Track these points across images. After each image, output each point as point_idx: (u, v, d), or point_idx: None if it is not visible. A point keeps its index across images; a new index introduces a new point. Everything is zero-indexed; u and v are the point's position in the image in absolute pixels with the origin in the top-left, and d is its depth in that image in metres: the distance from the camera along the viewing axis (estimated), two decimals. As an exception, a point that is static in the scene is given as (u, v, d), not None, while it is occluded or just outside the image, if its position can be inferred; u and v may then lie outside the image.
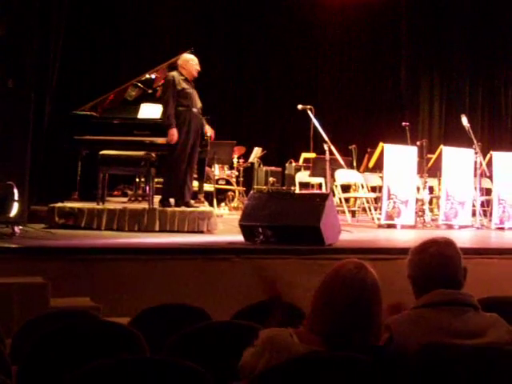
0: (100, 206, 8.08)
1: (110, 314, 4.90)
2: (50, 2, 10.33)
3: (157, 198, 8.54)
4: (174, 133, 8.31)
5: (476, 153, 9.96)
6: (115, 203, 8.76)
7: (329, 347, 2.65)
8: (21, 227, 7.07)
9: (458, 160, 10.01)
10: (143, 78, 9.53)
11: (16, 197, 6.84)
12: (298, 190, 11.77)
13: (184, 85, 8.48)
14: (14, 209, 6.88)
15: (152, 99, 9.45)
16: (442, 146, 10.33)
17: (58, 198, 8.54)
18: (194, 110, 8.52)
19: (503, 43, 15.08)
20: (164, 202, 8.31)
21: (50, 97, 10.52)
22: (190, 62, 8.62)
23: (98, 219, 7.90)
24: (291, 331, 2.71)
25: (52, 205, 7.99)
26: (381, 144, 10.09)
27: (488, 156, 10.46)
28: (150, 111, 9.19)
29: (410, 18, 15.35)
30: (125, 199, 9.97)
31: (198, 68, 8.66)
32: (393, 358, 2.73)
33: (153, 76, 9.56)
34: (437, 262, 3.00)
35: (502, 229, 9.93)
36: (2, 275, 5.40)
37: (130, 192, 10.63)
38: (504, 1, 14.71)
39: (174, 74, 8.53)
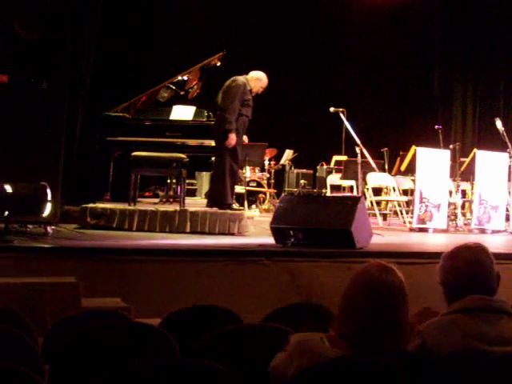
0: (131, 207, 8.12)
1: (141, 315, 4.91)
2: (85, 5, 10.41)
3: (188, 200, 8.54)
4: (234, 137, 8.41)
5: (510, 157, 9.86)
6: (146, 204, 8.80)
7: (357, 351, 2.63)
8: (53, 227, 7.13)
9: (491, 164, 9.91)
10: (175, 80, 9.57)
11: (49, 197, 6.89)
12: (329, 193, 11.74)
13: (248, 95, 8.65)
14: (47, 209, 6.93)
15: (184, 101, 9.48)
16: (475, 150, 10.24)
17: (91, 198, 8.60)
18: (245, 117, 8.65)
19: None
20: (224, 207, 8.35)
21: (84, 98, 10.59)
22: (258, 80, 8.78)
23: (130, 220, 7.93)
24: (322, 336, 2.70)
25: (84, 205, 8.04)
26: (413, 147, 10.03)
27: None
28: (182, 113, 9.23)
29: (444, 20, 15.26)
30: (156, 200, 10.01)
31: (264, 87, 8.83)
32: (424, 363, 2.71)
33: (185, 78, 9.60)
34: (469, 268, 2.98)
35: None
36: (35, 275, 5.45)
37: (161, 193, 10.68)
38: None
39: (244, 81, 8.65)
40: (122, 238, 7.18)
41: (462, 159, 10.77)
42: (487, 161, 9.92)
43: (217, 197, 8.49)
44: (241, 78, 8.71)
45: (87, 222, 7.88)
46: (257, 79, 8.80)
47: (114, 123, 8.99)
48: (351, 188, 11.81)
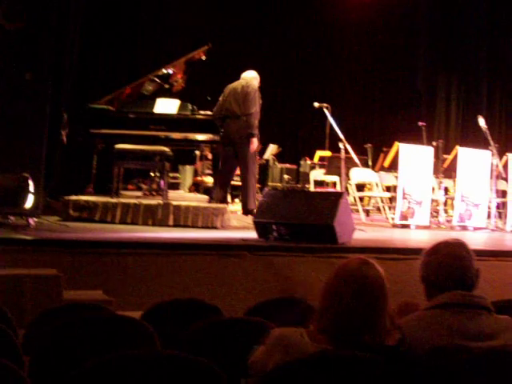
0: (114, 200, 8.10)
1: (123, 307, 4.91)
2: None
3: (171, 193, 8.54)
4: (257, 142, 8.67)
5: (493, 154, 9.91)
6: (129, 197, 8.78)
7: (337, 346, 2.64)
8: (35, 219, 7.10)
9: (473, 161, 9.96)
10: (160, 73, 9.55)
11: (31, 189, 6.87)
12: (312, 188, 11.75)
13: (260, 98, 8.83)
14: (29, 201, 6.90)
15: (169, 94, 9.46)
16: (457, 147, 10.28)
17: (73, 190, 8.57)
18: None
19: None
20: (251, 212, 8.46)
21: (67, 90, 10.56)
22: (256, 79, 9.02)
23: (113, 213, 7.92)
24: (302, 330, 2.70)
25: (67, 197, 8.02)
26: (396, 143, 10.06)
27: (504, 158, 10.41)
28: (166, 106, 9.21)
29: (428, 18, 15.31)
30: (139, 193, 9.99)
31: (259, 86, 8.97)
32: (404, 358, 2.72)
33: (170, 71, 9.57)
34: (449, 264, 3.00)
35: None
36: (16, 266, 5.42)
37: (144, 186, 10.66)
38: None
39: (256, 84, 8.86)
40: (104, 231, 7.17)
41: (445, 156, 10.81)
42: (469, 158, 9.97)
43: (247, 201, 8.85)
44: (252, 82, 8.86)
45: (70, 215, 7.86)
46: (254, 78, 8.99)
47: (97, 115, 8.95)
48: (334, 184, 11.83)
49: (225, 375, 2.67)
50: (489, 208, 9.96)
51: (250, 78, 8.98)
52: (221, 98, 8.88)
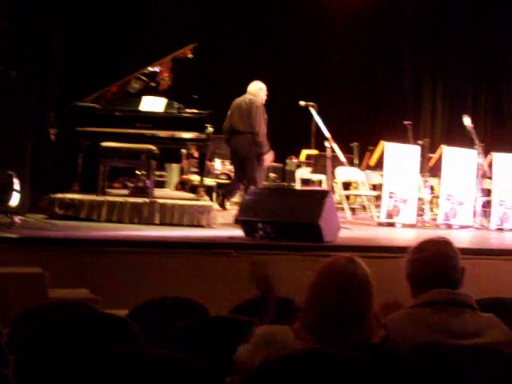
0: (100, 198, 8.09)
1: (109, 306, 4.90)
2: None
3: (158, 191, 8.53)
4: (268, 158, 8.87)
5: (478, 153, 9.96)
6: (115, 195, 8.76)
7: (322, 343, 2.65)
8: (21, 217, 7.08)
9: (458, 160, 10.01)
10: (146, 71, 9.52)
11: (17, 186, 6.84)
12: (299, 187, 11.76)
13: (265, 113, 8.93)
14: (15, 198, 6.88)
15: (155, 92, 9.44)
16: (442, 146, 10.33)
17: (59, 188, 8.54)
18: None
19: (507, 44, 15.06)
20: None
21: (53, 88, 10.52)
22: (261, 90, 9.03)
23: (98, 211, 7.91)
24: (287, 328, 2.71)
25: (52, 195, 7.99)
26: (382, 142, 10.09)
27: (489, 157, 10.46)
28: (153, 104, 9.19)
29: (414, 17, 15.35)
30: (125, 191, 9.97)
31: (266, 96, 9.06)
32: (389, 356, 2.74)
33: (156, 69, 9.55)
34: (434, 262, 3.01)
35: (502, 230, 9.94)
36: (1, 265, 5.40)
37: (130, 184, 10.63)
38: (507, 1, 14.71)
39: (259, 100, 8.92)
40: (90, 229, 7.16)
41: (431, 155, 10.85)
42: (455, 157, 10.02)
43: None
44: (255, 99, 8.90)
45: (55, 213, 7.84)
46: (260, 90, 9.03)
47: (83, 113, 8.91)
48: (320, 182, 11.85)
49: (210, 374, 2.67)
50: (474, 206, 10.01)
51: (255, 91, 9.01)
52: (228, 113, 9.01)
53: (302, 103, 9.27)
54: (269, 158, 8.91)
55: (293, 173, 12.56)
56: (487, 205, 10.32)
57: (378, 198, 10.47)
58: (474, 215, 10.01)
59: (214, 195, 11.04)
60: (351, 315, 2.69)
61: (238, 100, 8.98)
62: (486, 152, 10.38)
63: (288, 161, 13.23)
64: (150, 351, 2.75)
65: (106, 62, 12.24)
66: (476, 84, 15.48)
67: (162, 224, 7.90)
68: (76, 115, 8.91)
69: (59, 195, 8.04)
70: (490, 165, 10.22)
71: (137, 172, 10.28)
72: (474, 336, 2.88)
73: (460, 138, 11.44)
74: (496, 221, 10.04)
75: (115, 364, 2.55)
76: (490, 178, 10.25)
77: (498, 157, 10.32)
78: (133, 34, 12.99)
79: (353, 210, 11.45)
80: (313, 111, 9.12)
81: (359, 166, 11.99)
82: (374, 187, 11.27)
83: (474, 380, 2.79)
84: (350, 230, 8.39)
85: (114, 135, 8.78)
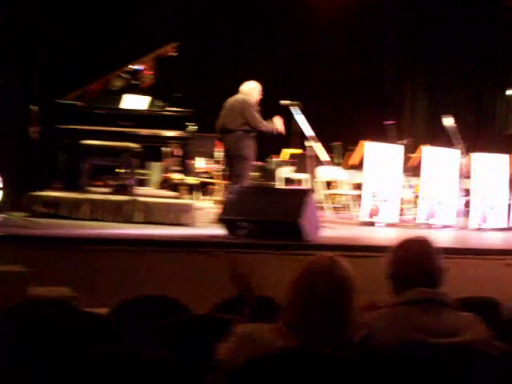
0: (82, 196, 8.07)
1: (90, 304, 4.89)
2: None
3: (139, 190, 8.52)
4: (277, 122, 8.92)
5: (461, 153, 10.02)
6: (97, 193, 8.74)
7: (305, 342, 2.67)
8: (3, 215, 7.05)
9: (439, 160, 10.06)
10: (129, 69, 9.51)
11: (0, 184, 6.82)
12: (280, 186, 11.77)
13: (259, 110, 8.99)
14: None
15: (137, 90, 9.43)
16: (422, 146, 10.38)
17: (41, 186, 8.51)
18: (253, 133, 8.94)
19: (488, 44, 15.15)
20: None
21: (35, 86, 10.47)
22: (254, 89, 9.05)
23: (80, 209, 7.90)
24: (268, 326, 2.72)
25: (34, 193, 7.96)
26: (362, 142, 10.12)
27: (469, 157, 10.52)
28: (135, 102, 9.17)
29: (395, 17, 15.40)
30: (107, 189, 9.94)
31: (260, 91, 9.09)
32: (370, 354, 2.75)
33: (139, 67, 9.53)
34: (415, 261, 3.04)
35: (482, 229, 10.00)
36: (-18, 262, 5.38)
37: (112, 183, 10.60)
38: (489, 1, 14.81)
39: (252, 99, 8.96)
40: (71, 227, 7.14)
41: (412, 155, 10.90)
42: (435, 156, 10.07)
43: None
44: (248, 98, 8.96)
45: (37, 211, 7.82)
46: (253, 89, 9.05)
47: (65, 111, 8.88)
48: (302, 181, 11.86)
49: (191, 372, 2.68)
50: (455, 206, 10.06)
51: (248, 91, 9.06)
52: (221, 113, 9.06)
53: (283, 102, 9.29)
54: (279, 124, 8.95)
55: (273, 172, 12.57)
56: (467, 204, 10.37)
57: (360, 197, 10.51)
58: (455, 215, 10.07)
59: (197, 194, 11.02)
60: (333, 314, 2.70)
61: (231, 99, 9.04)
62: (467, 152, 10.44)
63: (269, 160, 13.23)
64: (130, 349, 2.76)
65: (88, 60, 12.20)
66: (456, 84, 15.56)
67: (144, 222, 7.89)
68: (57, 113, 8.88)
69: (41, 193, 8.02)
70: (470, 164, 10.28)
71: (118, 170, 10.26)
72: (453, 335, 2.91)
73: (440, 138, 11.50)
74: (476, 220, 10.10)
75: (95, 362, 2.55)
76: (470, 177, 10.31)
77: (477, 157, 10.38)
78: (115, 32, 12.95)
79: (334, 209, 11.47)
80: (294, 110, 9.14)
81: (341, 165, 12.02)
82: (356, 186, 11.30)
83: (453, 378, 2.81)
84: (331, 229, 8.41)
85: (95, 133, 8.76)
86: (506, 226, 10.22)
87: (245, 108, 8.85)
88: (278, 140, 10.69)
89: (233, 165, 8.91)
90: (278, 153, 13.06)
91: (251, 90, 9.03)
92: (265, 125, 8.86)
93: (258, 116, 8.89)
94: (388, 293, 3.13)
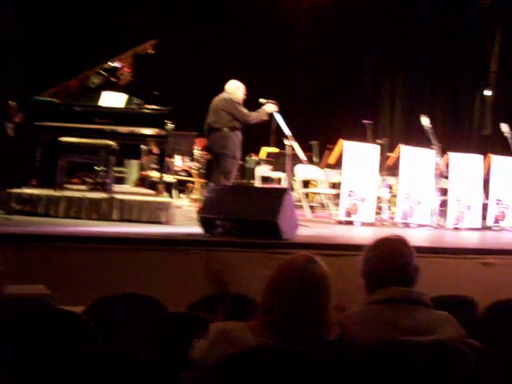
0: (58, 194, 8.02)
1: (66, 302, 4.86)
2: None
3: (117, 187, 8.49)
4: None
5: (436, 153, 10.07)
6: (74, 191, 8.69)
7: (280, 340, 2.67)
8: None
9: (416, 159, 10.11)
10: (107, 66, 9.46)
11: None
12: (258, 184, 11.79)
13: None
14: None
15: (115, 87, 9.38)
16: (400, 145, 10.42)
17: (16, 183, 8.44)
18: (238, 132, 9.06)
19: (465, 45, 15.25)
20: None
21: (11, 82, 10.40)
22: (238, 88, 9.17)
23: (56, 206, 7.84)
24: (243, 325, 2.73)
25: (9, 190, 7.90)
26: (341, 141, 10.15)
27: (446, 156, 10.58)
28: (112, 99, 9.13)
29: (374, 17, 15.47)
30: (84, 187, 9.89)
31: (244, 95, 9.21)
32: (344, 353, 2.77)
33: (117, 64, 9.49)
34: (389, 260, 3.05)
35: (458, 229, 10.07)
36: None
37: (89, 180, 10.56)
38: (466, 2, 14.90)
39: (236, 96, 9.06)
40: (47, 225, 7.09)
41: (389, 154, 10.95)
42: (412, 156, 10.12)
43: None
44: (232, 96, 9.06)
45: (12, 208, 7.75)
46: (238, 89, 9.17)
47: (42, 108, 8.82)
48: (280, 180, 11.88)
49: (165, 370, 2.67)
50: (431, 205, 10.12)
51: (233, 90, 9.16)
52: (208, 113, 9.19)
53: (262, 100, 9.30)
54: (272, 108, 9.05)
55: (252, 170, 12.59)
56: (444, 204, 10.44)
57: (337, 196, 10.53)
58: (431, 214, 10.12)
59: (175, 192, 11.01)
60: (308, 313, 2.72)
61: (215, 99, 9.16)
62: (443, 152, 10.50)
63: (247, 158, 13.24)
64: (105, 348, 2.75)
65: (66, 56, 12.14)
66: (433, 84, 15.65)
67: (121, 220, 7.86)
68: (34, 109, 8.82)
69: (17, 190, 7.96)
70: (447, 164, 10.34)
71: (96, 168, 10.21)
72: (427, 333, 2.93)
73: (418, 138, 11.56)
74: (452, 220, 10.17)
75: (70, 361, 2.54)
76: (447, 177, 10.38)
77: (454, 157, 10.45)
78: (93, 29, 12.90)
79: (312, 208, 11.50)
80: (270, 107, 9.15)
81: (319, 164, 12.05)
82: (334, 185, 11.33)
83: (427, 376, 2.83)
84: (308, 227, 8.42)
85: (73, 130, 8.71)
86: (480, 226, 10.31)
87: (231, 105, 8.97)
88: (258, 138, 10.72)
89: (219, 163, 8.95)
90: (257, 151, 13.08)
91: (235, 89, 9.13)
92: (254, 118, 9.00)
93: (245, 110, 8.99)
94: (363, 291, 3.14)
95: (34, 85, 10.36)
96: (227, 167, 8.90)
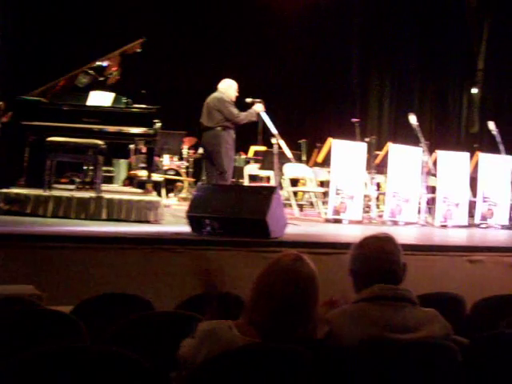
0: (46, 193, 8.00)
1: (54, 302, 4.86)
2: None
3: (105, 187, 8.47)
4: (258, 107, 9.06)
5: (423, 151, 10.11)
6: (62, 190, 8.67)
7: (267, 339, 2.68)
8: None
9: (404, 157, 10.15)
10: (94, 65, 9.45)
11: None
12: (247, 183, 11.80)
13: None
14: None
15: (103, 87, 9.37)
16: (389, 143, 10.46)
17: (4, 183, 8.42)
18: (231, 130, 9.11)
19: (453, 43, 15.30)
20: None
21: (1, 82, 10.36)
22: (230, 87, 9.19)
23: (45, 206, 7.82)
24: (230, 323, 2.73)
25: (-2, 190, 7.88)
26: (329, 139, 10.17)
27: (434, 154, 10.63)
28: (100, 99, 9.12)
29: (362, 16, 15.50)
30: (72, 186, 9.87)
31: (237, 88, 9.22)
32: (331, 351, 2.78)
33: (104, 63, 9.47)
34: (376, 257, 3.06)
35: (446, 226, 10.11)
36: None
37: (77, 179, 10.54)
38: (454, 1, 14.95)
39: (227, 96, 9.08)
40: (36, 225, 7.07)
41: (377, 152, 10.97)
42: (400, 154, 10.16)
43: None
44: (222, 96, 9.10)
45: (0, 208, 7.73)
46: (230, 87, 9.19)
47: (29, 107, 8.80)
48: (268, 178, 11.89)
49: (155, 369, 2.67)
50: (419, 203, 10.16)
51: (224, 89, 9.21)
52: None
53: (249, 100, 9.31)
54: (261, 108, 9.10)
55: (241, 169, 12.59)
56: (432, 202, 10.48)
57: (326, 194, 10.55)
58: (419, 212, 10.16)
59: (163, 191, 11.00)
60: (296, 312, 2.73)
61: (209, 98, 9.22)
62: (431, 150, 10.55)
63: (236, 157, 13.23)
64: (93, 347, 2.75)
65: (53, 56, 12.12)
66: (421, 82, 15.70)
67: (109, 219, 7.84)
68: (22, 109, 8.80)
69: (4, 190, 7.93)
70: (435, 162, 10.39)
71: (84, 167, 10.19)
72: (414, 330, 2.94)
73: (406, 136, 11.60)
74: (440, 218, 10.21)
75: (58, 360, 2.54)
76: (435, 175, 10.42)
77: (442, 155, 10.49)
78: (81, 28, 12.87)
79: (300, 206, 11.52)
80: (259, 107, 9.17)
81: (307, 162, 12.06)
82: (322, 184, 11.35)
83: (415, 373, 2.85)
84: (297, 226, 8.44)
85: (60, 130, 8.68)
86: (467, 223, 10.36)
87: (221, 105, 9.03)
88: (246, 137, 10.73)
89: (213, 162, 9.01)
90: (246, 150, 13.08)
91: (228, 88, 9.17)
92: (243, 118, 9.04)
93: (235, 111, 9.02)
94: (351, 289, 3.16)
95: (21, 84, 10.33)
96: (222, 166, 8.93)
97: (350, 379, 2.76)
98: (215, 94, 9.15)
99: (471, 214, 10.62)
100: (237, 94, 9.20)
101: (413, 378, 2.86)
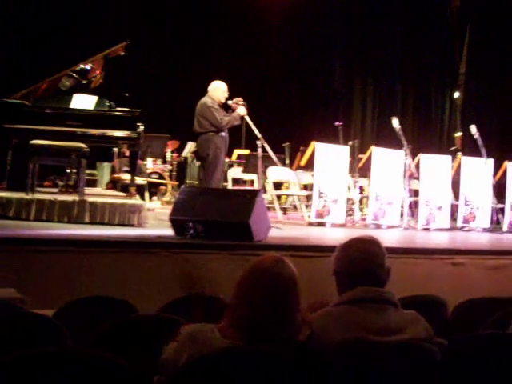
0: (29, 197, 7.97)
1: (37, 306, 4.84)
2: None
3: (88, 190, 8.45)
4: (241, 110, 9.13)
5: (406, 155, 10.16)
6: (45, 194, 8.64)
7: (249, 341, 2.69)
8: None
9: (387, 161, 10.19)
10: (78, 68, 9.43)
11: None
12: (230, 186, 11.81)
13: (221, 111, 9.20)
14: None
15: (86, 90, 9.35)
16: (372, 147, 10.50)
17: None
18: (223, 134, 9.17)
19: (435, 47, 15.38)
20: None
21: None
22: (218, 89, 9.27)
23: (27, 209, 7.79)
24: (213, 326, 2.74)
25: (-21, 194, 7.84)
26: (313, 143, 10.20)
27: (417, 158, 10.68)
28: (84, 102, 9.10)
29: (345, 20, 15.55)
30: (55, 190, 9.85)
31: (226, 90, 9.28)
32: (313, 353, 2.78)
33: (88, 66, 9.46)
34: (360, 259, 3.08)
35: (428, 229, 10.16)
36: None
37: (60, 183, 10.51)
38: (436, 5, 15.03)
39: (212, 100, 9.17)
40: (18, 228, 7.04)
41: (360, 156, 11.01)
42: (383, 158, 10.20)
43: None
44: (206, 100, 9.20)
45: (-17, 211, 7.69)
46: (216, 89, 9.26)
47: (12, 110, 8.76)
48: (252, 182, 11.91)
49: (137, 373, 2.67)
50: (402, 207, 10.21)
51: (211, 91, 9.30)
52: None
53: (230, 102, 9.33)
54: (244, 111, 9.18)
55: (224, 172, 12.59)
56: (414, 205, 10.53)
57: (309, 197, 10.57)
58: (402, 215, 10.21)
59: (147, 194, 10.99)
60: (277, 314, 2.73)
61: (198, 103, 9.29)
62: (414, 153, 10.60)
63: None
64: (75, 350, 2.74)
65: (36, 59, 12.08)
66: (404, 86, 15.78)
67: (92, 223, 7.82)
68: (4, 112, 8.76)
69: (-14, 193, 7.90)
70: (418, 166, 10.44)
71: (67, 170, 10.16)
72: (396, 332, 2.96)
73: (389, 140, 11.65)
74: (422, 221, 10.26)
75: (39, 363, 2.53)
76: (418, 178, 10.47)
77: (424, 158, 10.55)
78: (65, 31, 12.84)
79: (284, 209, 11.54)
80: (241, 110, 9.18)
81: (290, 166, 12.09)
82: (305, 187, 11.37)
83: (396, 375, 2.86)
84: (280, 229, 8.46)
85: (43, 133, 8.65)
86: (449, 226, 10.42)
87: (205, 110, 9.12)
88: (230, 140, 10.74)
89: (204, 166, 9.18)
90: (229, 154, 13.08)
91: (215, 90, 9.26)
92: (226, 123, 9.11)
93: (217, 115, 9.06)
94: (334, 292, 3.17)
95: (3, 87, 10.29)
96: (209, 170, 9.02)
97: (331, 381, 2.77)
98: (202, 100, 9.24)
99: (453, 217, 10.68)
100: (226, 96, 9.23)
101: (392, 379, 2.87)
